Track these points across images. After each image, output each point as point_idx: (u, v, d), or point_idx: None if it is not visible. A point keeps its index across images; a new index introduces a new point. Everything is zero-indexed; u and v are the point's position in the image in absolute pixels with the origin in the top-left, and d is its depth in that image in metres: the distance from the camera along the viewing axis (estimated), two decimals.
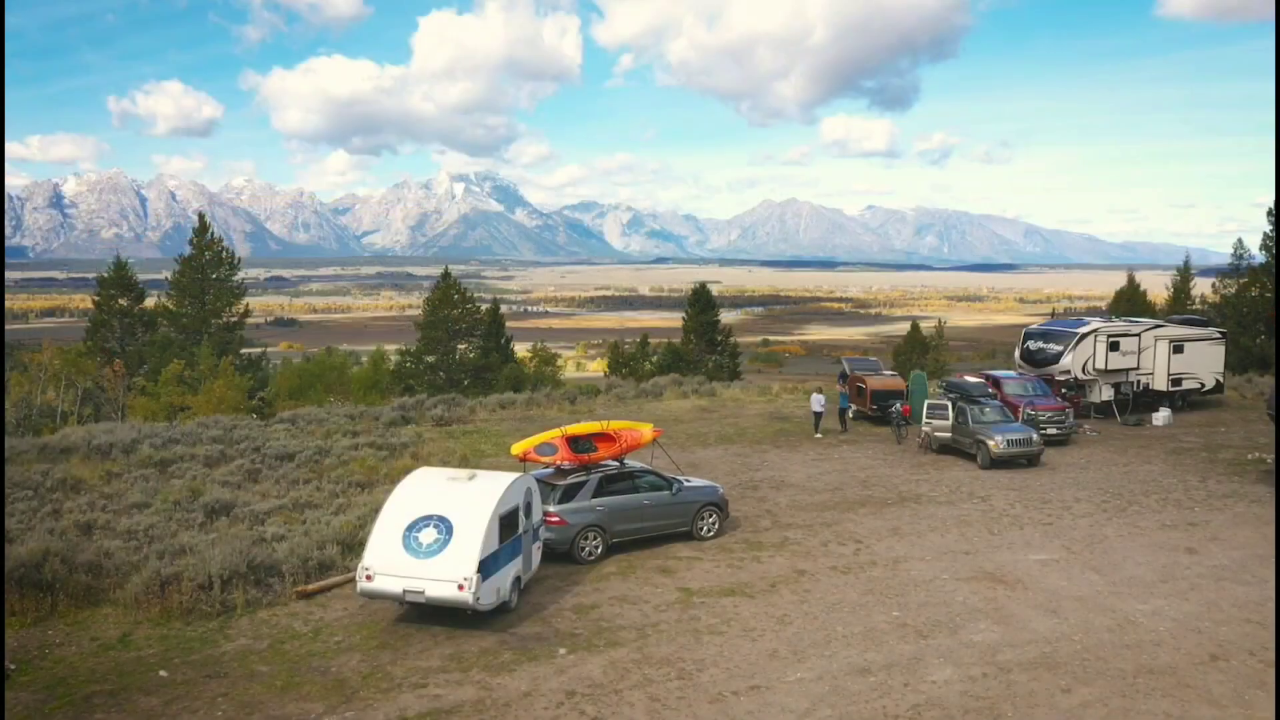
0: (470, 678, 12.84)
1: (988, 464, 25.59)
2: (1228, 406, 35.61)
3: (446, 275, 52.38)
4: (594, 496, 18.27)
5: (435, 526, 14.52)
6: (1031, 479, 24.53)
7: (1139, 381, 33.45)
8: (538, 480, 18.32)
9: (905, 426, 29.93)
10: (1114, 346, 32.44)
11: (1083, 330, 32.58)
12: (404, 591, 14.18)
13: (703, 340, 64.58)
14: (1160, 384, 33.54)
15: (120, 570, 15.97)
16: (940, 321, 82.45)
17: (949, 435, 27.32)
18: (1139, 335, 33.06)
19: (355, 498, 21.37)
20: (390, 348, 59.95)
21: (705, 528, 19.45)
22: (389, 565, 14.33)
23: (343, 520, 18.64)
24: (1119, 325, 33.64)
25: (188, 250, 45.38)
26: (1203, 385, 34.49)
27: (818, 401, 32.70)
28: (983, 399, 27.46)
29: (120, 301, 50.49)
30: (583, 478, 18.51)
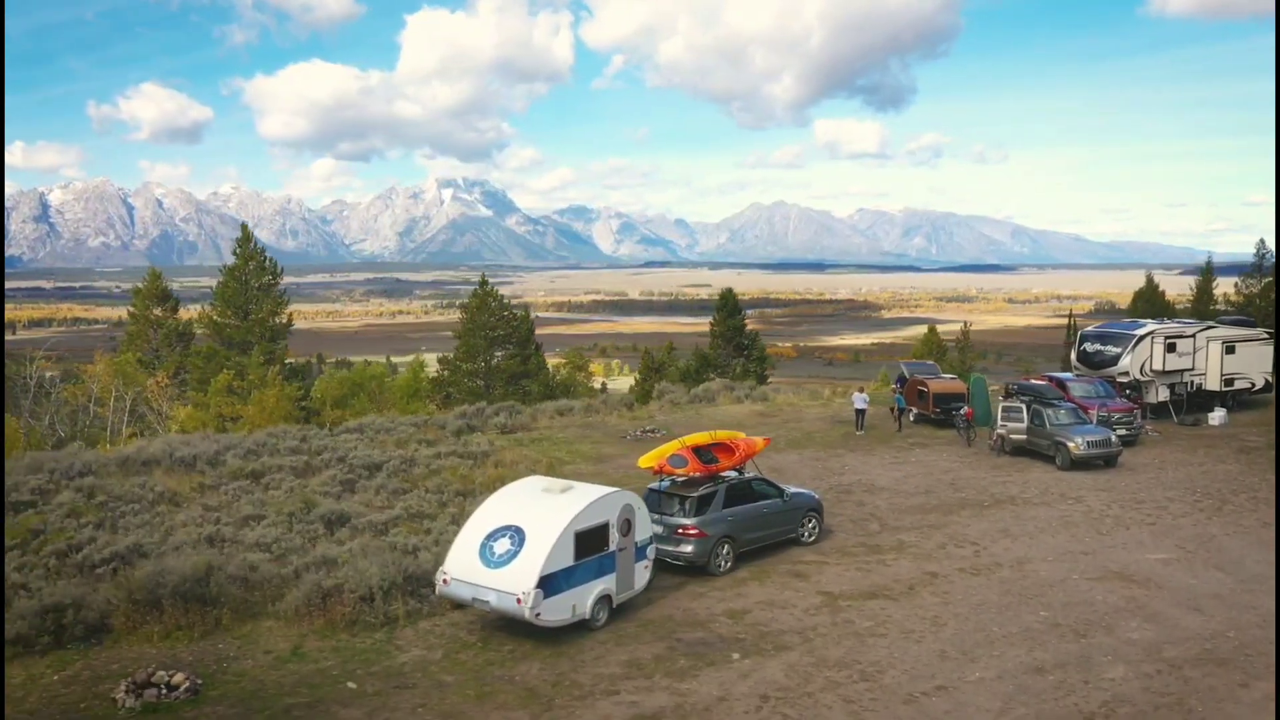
0: (657, 684, 13.10)
1: (1068, 465, 25.97)
2: (1268, 406, 36.09)
3: (484, 283, 52.54)
4: (724, 507, 18.37)
5: (510, 537, 14.68)
6: (1116, 480, 24.91)
7: (1193, 382, 33.93)
8: (661, 493, 18.55)
9: (974, 429, 30.31)
10: (1171, 348, 32.92)
11: (1140, 332, 33.06)
12: (473, 599, 14.48)
13: (730, 345, 64.93)
14: (1213, 384, 34.04)
15: (270, 583, 16.16)
16: (965, 325, 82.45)
17: (1024, 437, 27.68)
18: (1194, 336, 33.56)
19: (465, 506, 21.52)
20: (415, 357, 60.00)
21: (807, 533, 19.76)
22: (464, 571, 14.63)
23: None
24: (1174, 327, 34.13)
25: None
26: (1253, 385, 35.02)
27: (861, 400, 33.14)
28: (1056, 401, 27.85)
29: (155, 312, 50.49)
30: (711, 488, 18.58)
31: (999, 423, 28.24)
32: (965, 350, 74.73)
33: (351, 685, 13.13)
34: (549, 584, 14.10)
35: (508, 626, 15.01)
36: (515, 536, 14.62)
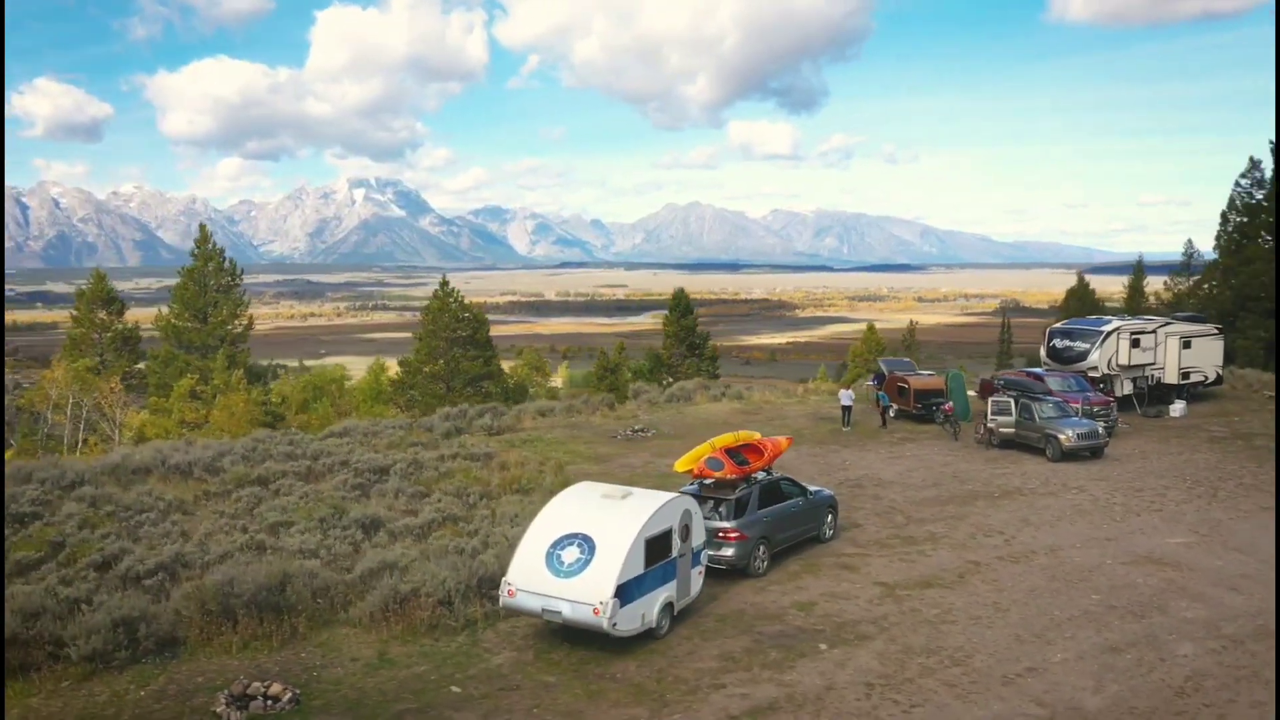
0: (758, 676, 13.36)
1: (1058, 457, 27.07)
2: (1226, 397, 38.15)
3: (445, 284, 51.93)
4: (760, 508, 18.45)
5: (579, 545, 14.31)
6: (1108, 470, 26.07)
7: (1153, 376, 35.64)
8: (697, 497, 18.53)
9: (958, 423, 31.33)
10: (1135, 343, 34.54)
11: (1107, 328, 34.60)
12: (543, 610, 14.08)
13: (683, 344, 65.49)
14: (1171, 377, 35.81)
15: (336, 589, 15.88)
16: (912, 323, 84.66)
17: (1012, 431, 28.74)
18: (1155, 332, 35.26)
19: (495, 508, 21.43)
20: (376, 360, 58.98)
21: (828, 530, 20.09)
22: (531, 582, 14.21)
23: (519, 532, 18.74)
24: (1137, 323, 35.81)
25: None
26: (1206, 378, 36.93)
27: (847, 397, 33.99)
28: (1044, 395, 28.99)
29: (101, 315, 48.65)
30: (746, 490, 18.58)
31: (989, 417, 29.24)
32: (914, 348, 76.65)
33: (456, 689, 13.06)
34: (623, 593, 13.82)
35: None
36: (584, 545, 14.28)
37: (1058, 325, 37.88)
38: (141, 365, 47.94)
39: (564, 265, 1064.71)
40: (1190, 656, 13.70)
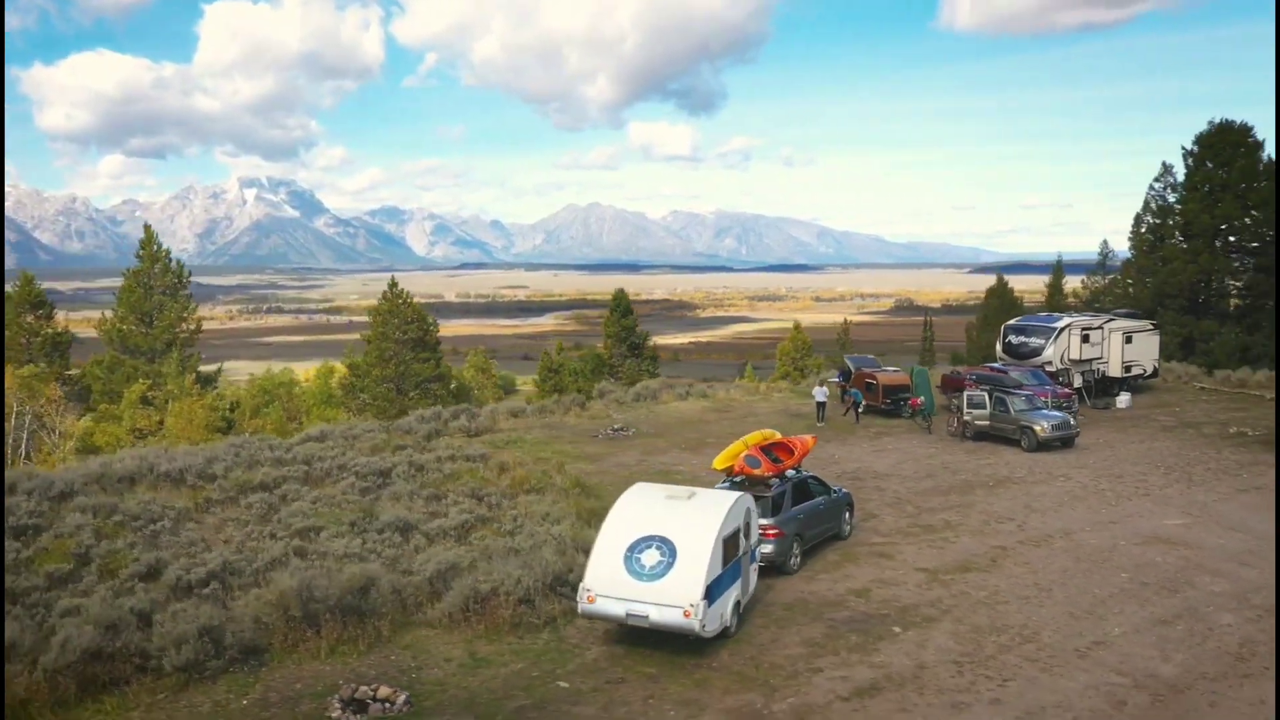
0: (849, 659, 13.95)
1: (1034, 447, 28.53)
2: (1160, 389, 40.62)
3: (393, 285, 51.18)
4: (792, 506, 18.76)
5: (657, 548, 14.26)
6: (1083, 459, 27.60)
7: (1098, 369, 37.74)
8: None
9: (930, 416, 32.65)
10: (1086, 338, 36.53)
11: (1060, 325, 36.53)
12: (627, 614, 14.01)
13: (624, 344, 65.93)
14: (1115, 371, 37.99)
15: (405, 591, 15.82)
16: (845, 320, 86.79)
17: (987, 423, 30.12)
18: (1102, 328, 37.35)
19: (524, 508, 21.48)
20: (324, 364, 57.68)
21: (846, 527, 20.73)
22: (611, 587, 14.12)
23: (566, 530, 18.93)
24: (1085, 319, 37.86)
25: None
26: (1145, 371, 39.29)
27: (821, 393, 35.04)
28: (1016, 389, 30.47)
29: (28, 319, 46.35)
30: (781, 488, 18.95)
31: (965, 410, 30.56)
32: (846, 346, 78.76)
33: (563, 684, 13.26)
34: (709, 593, 13.87)
35: None
36: (663, 547, 14.23)
37: (1012, 322, 39.75)
38: (75, 371, 45.94)
39: (464, 266, 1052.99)
40: (1234, 625, 14.86)
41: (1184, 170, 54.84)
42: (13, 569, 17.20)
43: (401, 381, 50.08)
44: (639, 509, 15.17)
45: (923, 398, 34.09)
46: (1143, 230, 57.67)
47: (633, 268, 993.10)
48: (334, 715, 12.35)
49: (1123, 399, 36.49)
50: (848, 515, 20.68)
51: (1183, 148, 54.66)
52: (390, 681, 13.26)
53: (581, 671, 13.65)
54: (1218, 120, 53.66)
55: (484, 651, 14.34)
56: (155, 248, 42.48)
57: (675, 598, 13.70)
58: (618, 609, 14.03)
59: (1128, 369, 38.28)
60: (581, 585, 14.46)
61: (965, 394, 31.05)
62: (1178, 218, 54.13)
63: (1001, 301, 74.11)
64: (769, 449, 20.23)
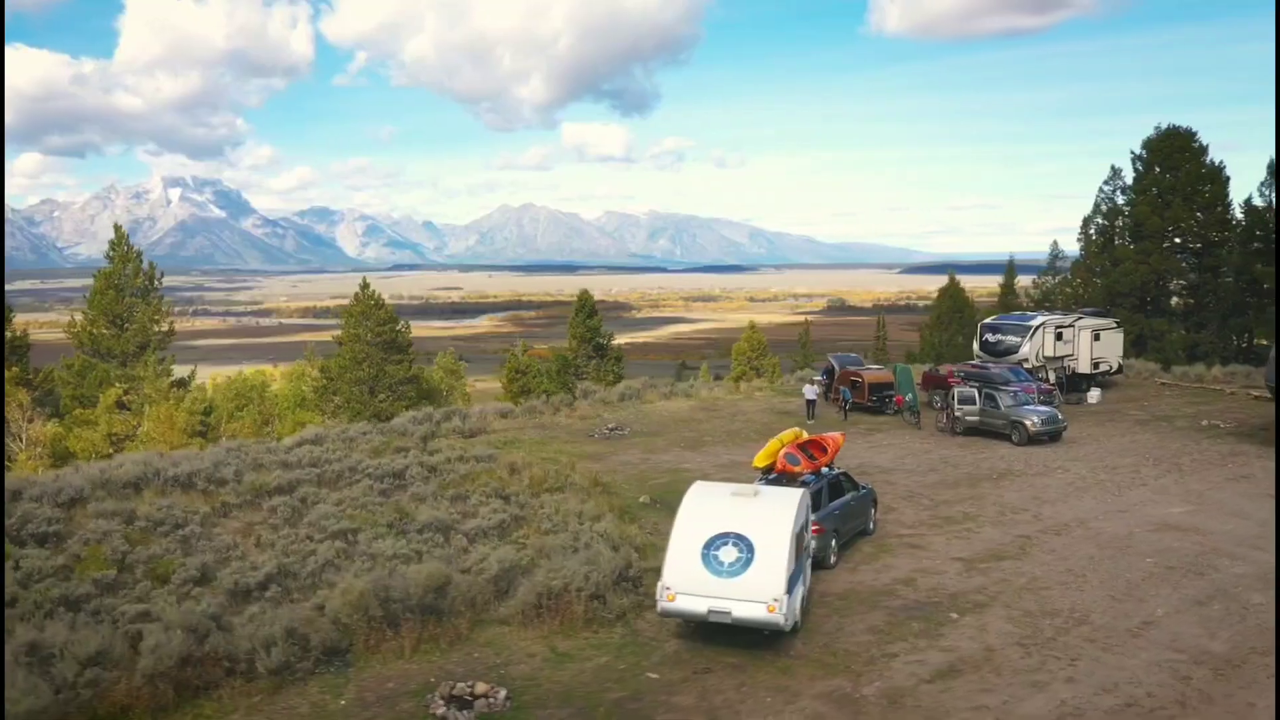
0: (919, 645, 14.53)
1: (1024, 441, 29.60)
2: (1123, 385, 42.29)
3: (365, 285, 50.66)
4: (829, 502, 19.27)
5: (734, 544, 14.48)
6: (1073, 452, 28.71)
7: (1069, 366, 39.20)
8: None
9: (919, 413, 33.62)
10: (1059, 336, 37.94)
11: (1034, 323, 37.88)
12: (709, 611, 14.21)
13: (589, 345, 66.05)
14: (1084, 367, 39.50)
15: (472, 590, 15.94)
16: (807, 320, 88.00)
17: (977, 419, 31.13)
18: (1073, 325, 38.81)
19: (558, 506, 21.64)
20: (296, 365, 56.72)
21: (871, 523, 21.23)
22: (691, 584, 14.33)
23: (610, 527, 19.19)
24: (1058, 317, 39.29)
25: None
26: (1111, 368, 40.91)
27: (811, 391, 35.83)
28: (1005, 386, 31.57)
29: None
30: (818, 484, 19.34)
31: (956, 405, 31.54)
32: (808, 346, 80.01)
33: (653, 675, 13.58)
34: (789, 587, 14.20)
35: None
36: (740, 544, 14.46)
37: (988, 321, 41.06)
38: (31, 376, 44.52)
39: (396, 268, 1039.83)
40: (1265, 604, 15.81)
41: (1133, 174, 57.16)
42: (55, 575, 16.92)
43: (375, 383, 49.59)
44: (708, 507, 15.39)
45: (908, 395, 35.13)
46: (1091, 232, 59.95)
47: (568, 269, 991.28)
48: (439, 713, 12.49)
49: (1094, 394, 37.95)
50: (873, 510, 21.28)
51: (1132, 152, 57.03)
52: (479, 678, 13.42)
53: (667, 663, 13.99)
54: (1164, 126, 56.12)
55: (563, 647, 14.58)
56: (126, 248, 41.44)
57: (757, 593, 13.99)
58: (699, 606, 14.25)
59: (1096, 365, 39.82)
60: (660, 584, 14.66)
61: (956, 390, 32.03)
62: (1128, 219, 56.33)
63: (954, 301, 76.11)
64: (805, 447, 20.74)
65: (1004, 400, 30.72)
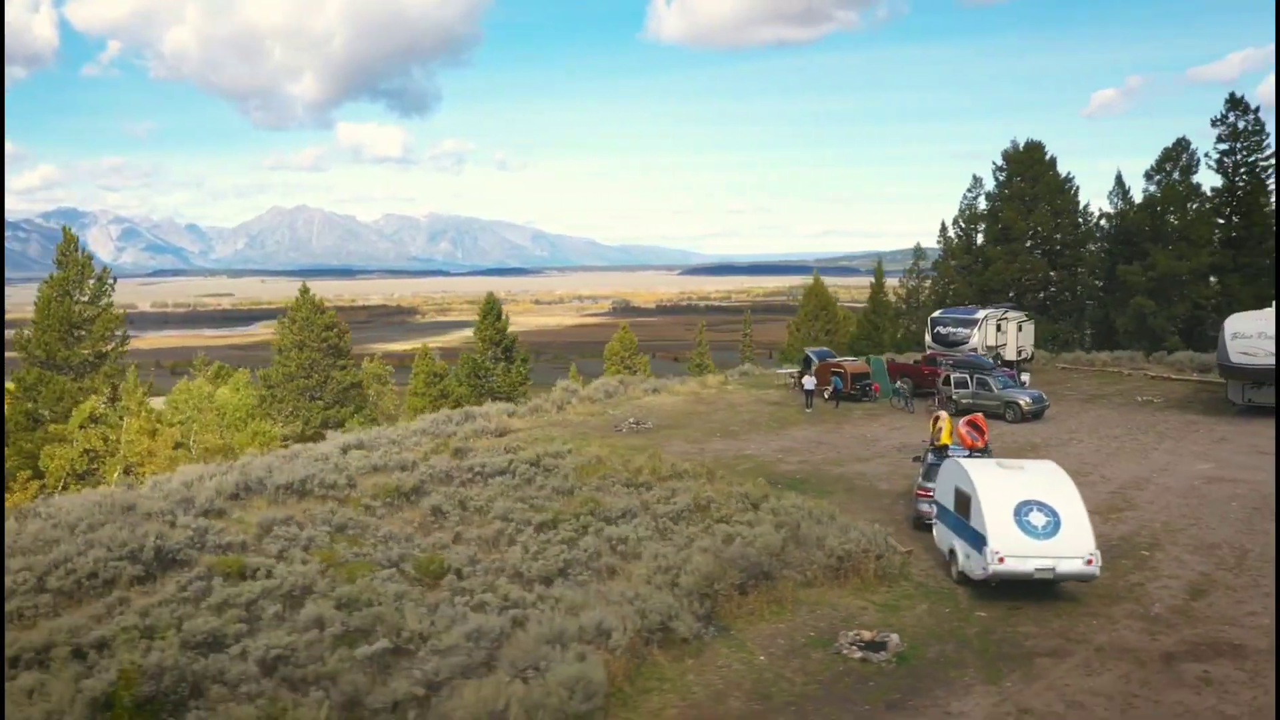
0: (1147, 575, 17.82)
1: (1018, 419, 34.02)
2: (1034, 370, 48.21)
3: (305, 291, 49.09)
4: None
5: (1039, 510, 16.67)
6: (1062, 427, 33.19)
7: (999, 354, 44.54)
8: (915, 459, 22.25)
9: (910, 398, 37.53)
10: (998, 327, 43.09)
11: (980, 315, 42.85)
12: (1035, 570, 16.30)
13: (497, 348, 66.50)
14: (1011, 355, 44.93)
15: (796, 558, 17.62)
16: (702, 325, 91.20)
17: (970, 401, 35.30)
18: (1006, 317, 44.13)
19: (699, 492, 23.22)
20: (237, 375, 53.67)
21: None
22: (1016, 548, 16.34)
23: (808, 503, 21.21)
24: (995, 311, 44.48)
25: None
26: (1028, 355, 46.69)
27: (809, 382, 38.96)
28: (994, 371, 36.00)
29: None
30: (936, 460, 22.13)
31: (952, 390, 35.61)
32: (747, 346, 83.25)
33: (982, 614, 15.99)
34: None
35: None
36: (1043, 509, 16.70)
37: (936, 315, 45.79)
38: None
39: (157, 274, 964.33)
40: None
41: (995, 182, 64.53)
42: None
43: (321, 391, 48.30)
44: (998, 480, 17.50)
45: (881, 383, 39.06)
46: (952, 236, 67.12)
47: (346, 273, 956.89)
48: (856, 656, 14.33)
49: (1024, 378, 43.39)
50: None
51: (993, 163, 64.36)
52: (859, 628, 15.33)
53: (980, 605, 16.39)
54: (1022, 142, 63.73)
55: (876, 600, 16.71)
56: (79, 252, 38.43)
57: (1076, 549, 16.42)
58: (1026, 565, 16.35)
59: (1019, 353, 45.40)
60: (988, 549, 16.46)
61: (950, 377, 36.14)
62: (996, 223, 63.46)
63: (819, 300, 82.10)
64: (973, 425, 23.57)
65: (995, 384, 35.07)
